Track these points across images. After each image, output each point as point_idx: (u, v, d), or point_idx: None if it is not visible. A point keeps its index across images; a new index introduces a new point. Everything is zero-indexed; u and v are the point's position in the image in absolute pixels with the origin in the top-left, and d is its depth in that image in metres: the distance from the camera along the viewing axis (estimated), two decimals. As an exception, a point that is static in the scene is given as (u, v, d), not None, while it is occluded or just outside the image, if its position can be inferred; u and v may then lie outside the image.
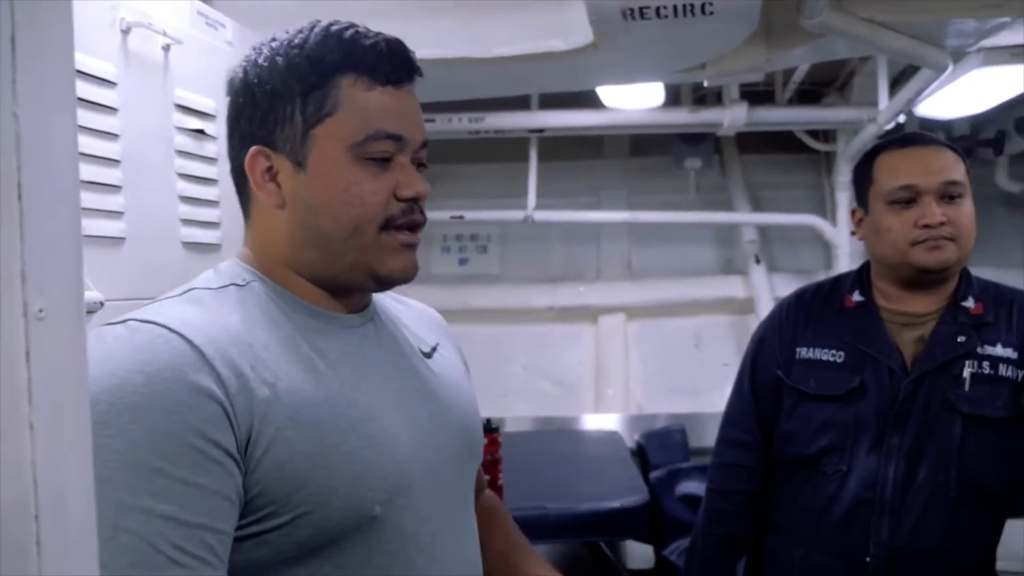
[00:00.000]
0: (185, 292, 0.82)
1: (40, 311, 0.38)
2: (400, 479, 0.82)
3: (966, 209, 1.39)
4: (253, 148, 0.84)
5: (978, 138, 3.54)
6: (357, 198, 0.82)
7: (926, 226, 1.36)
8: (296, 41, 0.83)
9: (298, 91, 0.82)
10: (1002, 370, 1.35)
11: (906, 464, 1.35)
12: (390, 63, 0.84)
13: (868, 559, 1.35)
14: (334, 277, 0.85)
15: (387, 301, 1.00)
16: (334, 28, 0.84)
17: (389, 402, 0.85)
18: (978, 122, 3.46)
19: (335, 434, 0.78)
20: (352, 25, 0.84)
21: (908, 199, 1.39)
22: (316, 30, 0.84)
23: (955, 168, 1.39)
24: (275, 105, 0.83)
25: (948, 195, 1.38)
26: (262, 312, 0.82)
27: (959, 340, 1.37)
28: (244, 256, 0.88)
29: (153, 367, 0.71)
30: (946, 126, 3.52)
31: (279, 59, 0.83)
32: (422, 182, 0.86)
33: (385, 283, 0.87)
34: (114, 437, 0.68)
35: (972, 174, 1.42)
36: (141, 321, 0.75)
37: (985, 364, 1.35)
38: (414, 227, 0.86)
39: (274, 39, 0.85)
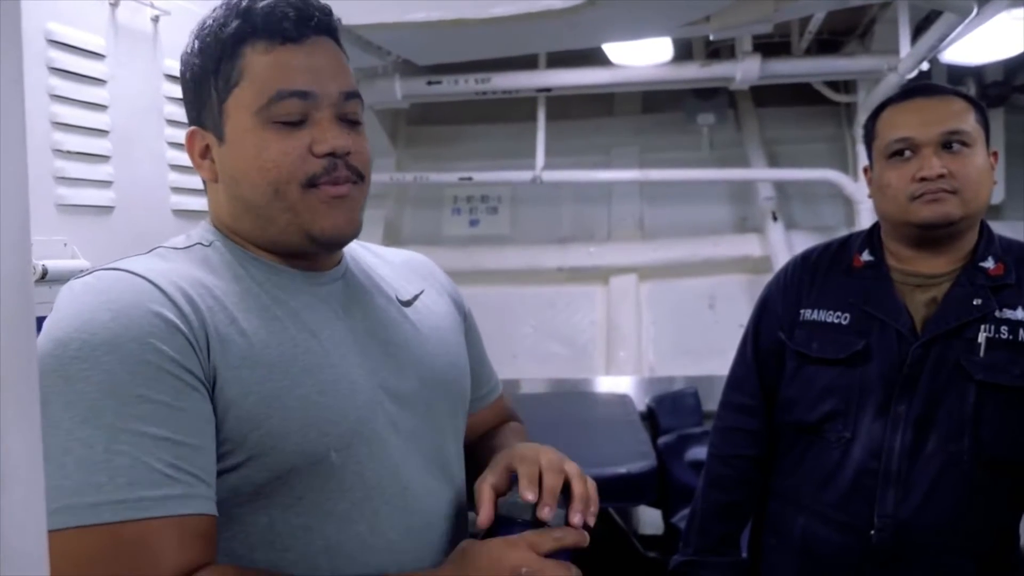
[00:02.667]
0: (152, 250, 0.85)
1: None
2: (358, 426, 0.82)
3: (973, 160, 1.29)
4: (189, 129, 0.88)
5: (1013, 84, 3.37)
6: (270, 162, 0.82)
7: (924, 179, 1.28)
8: (208, 22, 0.86)
9: (210, 69, 0.84)
10: (1023, 335, 1.27)
11: (914, 433, 1.28)
12: (287, 20, 0.83)
13: (872, 532, 1.29)
14: (273, 242, 0.86)
15: (362, 253, 1.00)
16: (233, 1, 0.85)
17: (352, 352, 0.85)
18: (1012, 67, 3.29)
19: (287, 377, 0.79)
20: None
21: (906, 151, 1.31)
22: (219, 6, 0.86)
23: (960, 117, 1.30)
24: (198, 87, 0.86)
25: (950, 145, 1.29)
26: (225, 267, 0.84)
27: (975, 303, 1.29)
28: (211, 221, 0.91)
29: (119, 304, 0.74)
30: (977, 72, 3.36)
31: (196, 43, 0.86)
32: (342, 136, 0.83)
33: (322, 242, 0.85)
34: (91, 370, 0.70)
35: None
36: (106, 270, 0.79)
37: (1004, 329, 1.27)
38: (342, 182, 0.84)
39: (200, 25, 0.88)
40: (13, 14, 0.41)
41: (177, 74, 1.62)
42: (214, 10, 0.86)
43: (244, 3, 0.83)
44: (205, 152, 0.87)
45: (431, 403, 0.92)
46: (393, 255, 1.06)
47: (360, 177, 0.86)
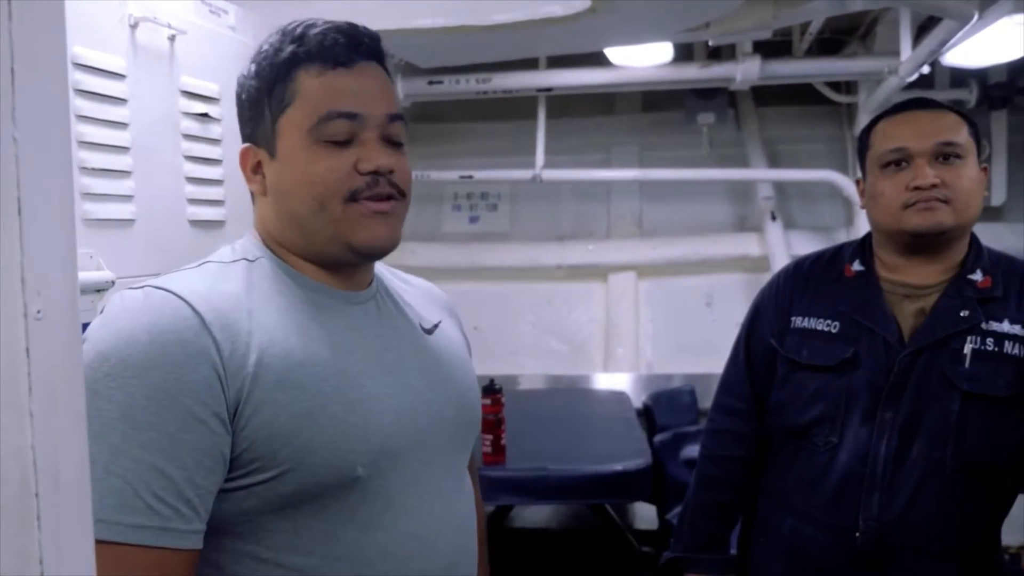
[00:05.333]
0: (201, 264, 0.90)
1: (38, 312, 0.43)
2: (385, 443, 0.87)
3: (965, 172, 1.32)
4: (243, 146, 0.93)
5: (1016, 86, 3.38)
6: (317, 177, 0.87)
7: (917, 188, 1.31)
8: (264, 48, 0.92)
9: (265, 90, 0.90)
10: (1008, 348, 1.29)
11: (899, 439, 1.31)
12: (339, 47, 0.89)
13: (858, 535, 1.32)
14: (318, 254, 0.91)
15: (392, 280, 1.05)
16: (289, 27, 0.91)
17: (383, 372, 0.90)
18: (1016, 69, 3.29)
19: (319, 397, 0.83)
20: (305, 21, 0.91)
21: (899, 161, 1.34)
22: (274, 33, 0.92)
23: (953, 129, 1.34)
24: (252, 106, 0.92)
25: (943, 156, 1.32)
26: (267, 284, 0.89)
27: (962, 315, 1.32)
28: (256, 235, 0.96)
29: (158, 328, 0.78)
30: (980, 74, 3.37)
31: (252, 67, 0.92)
32: (385, 155, 0.89)
33: (362, 253, 0.90)
34: (117, 389, 0.75)
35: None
36: (155, 288, 0.83)
37: (989, 341, 1.30)
38: (384, 198, 0.90)
39: (258, 48, 0.94)
40: (60, 67, 0.45)
41: (192, 91, 1.69)
42: (270, 36, 0.92)
43: (299, 30, 0.89)
44: (257, 167, 0.92)
45: (452, 424, 0.97)
46: (416, 281, 1.12)
47: (401, 194, 0.91)
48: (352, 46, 0.89)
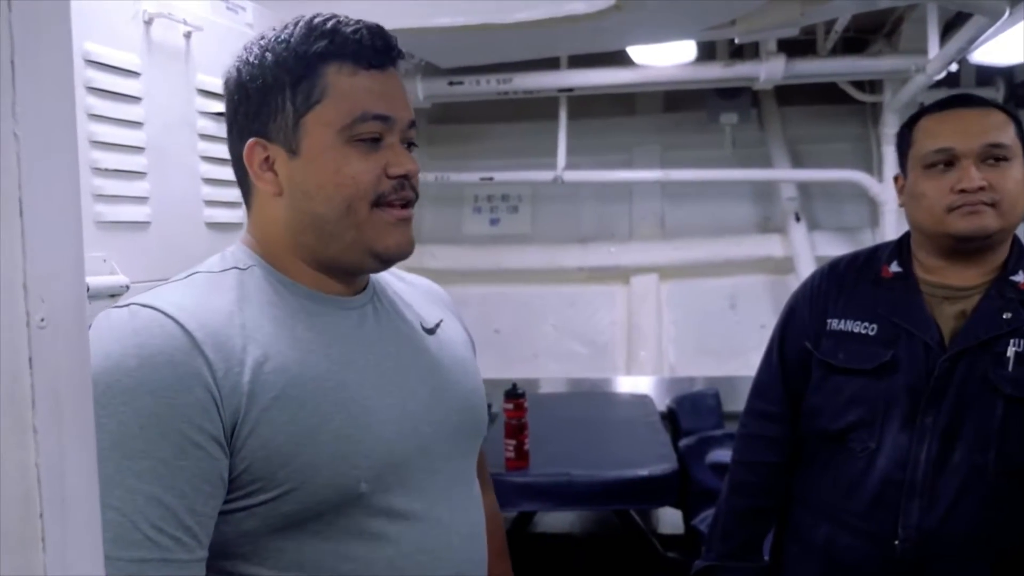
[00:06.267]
0: (189, 275, 0.87)
1: (42, 320, 0.40)
2: (388, 457, 0.84)
3: (1012, 173, 1.29)
4: (250, 140, 0.87)
5: (1046, 84, 3.32)
6: (348, 178, 0.85)
7: (963, 191, 1.27)
8: (282, 36, 0.87)
9: (287, 83, 0.86)
10: None
11: (940, 444, 1.27)
12: (372, 48, 0.87)
13: (897, 543, 1.28)
14: (333, 258, 0.88)
15: (389, 279, 1.02)
16: (316, 20, 0.87)
17: (383, 381, 0.88)
18: (1046, 68, 3.24)
19: (319, 414, 0.81)
20: (333, 16, 0.88)
21: (945, 162, 1.30)
22: (300, 24, 0.87)
23: (1001, 130, 1.29)
24: (267, 98, 0.87)
25: (991, 158, 1.28)
26: (260, 294, 0.85)
27: (1004, 317, 1.28)
28: (247, 242, 0.92)
29: (146, 351, 0.75)
30: (1007, 72, 3.31)
31: (268, 55, 0.87)
32: (412, 160, 0.89)
33: (383, 259, 0.89)
34: (107, 417, 0.72)
35: None
36: (141, 306, 0.79)
37: None
38: (406, 203, 0.89)
39: (263, 37, 0.89)
40: (66, 65, 0.42)
41: (209, 89, 1.65)
42: (286, 26, 0.88)
43: (328, 25, 0.86)
44: (265, 165, 0.88)
45: (456, 428, 0.94)
46: (415, 280, 1.08)
47: (416, 199, 0.91)
48: (385, 49, 0.88)
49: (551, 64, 3.33)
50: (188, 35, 1.59)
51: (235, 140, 0.90)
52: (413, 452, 0.87)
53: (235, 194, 1.74)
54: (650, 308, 3.85)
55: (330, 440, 0.80)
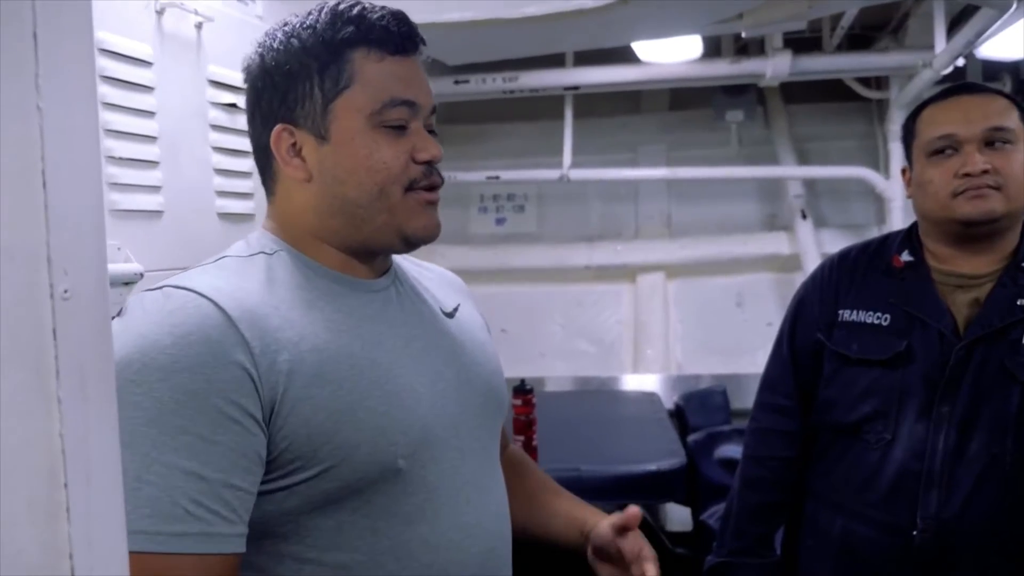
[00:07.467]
0: (218, 260, 0.87)
1: (65, 292, 0.40)
2: (423, 434, 0.85)
3: (1017, 157, 1.28)
4: (277, 126, 0.87)
5: (1054, 79, 3.31)
6: (380, 163, 0.86)
7: (967, 175, 1.27)
8: (307, 23, 0.87)
9: (315, 68, 0.86)
10: None
11: (957, 434, 1.27)
12: (398, 34, 0.87)
13: (915, 533, 1.27)
14: (362, 241, 0.89)
15: (408, 266, 1.03)
16: (342, 6, 0.88)
17: (411, 360, 0.89)
18: (1053, 62, 3.23)
19: (357, 391, 0.82)
20: (358, 2, 0.88)
21: (948, 148, 1.30)
22: (324, 10, 0.88)
23: (1003, 115, 1.29)
24: (294, 84, 0.87)
25: (995, 142, 1.28)
26: (288, 277, 0.86)
27: (1019, 303, 1.27)
28: (270, 228, 0.92)
29: (182, 329, 0.75)
30: (1013, 67, 3.30)
31: (294, 41, 0.87)
32: (436, 146, 0.90)
33: (412, 242, 0.90)
34: (143, 395, 0.73)
35: None
36: (175, 287, 0.80)
37: None
38: (434, 188, 0.91)
39: (286, 24, 0.89)
40: (88, 64, 0.42)
41: (220, 80, 1.65)
42: (310, 13, 0.88)
43: (355, 11, 0.87)
44: (293, 151, 0.88)
45: (481, 408, 0.96)
46: (430, 267, 1.10)
47: (443, 183, 0.93)
48: (411, 35, 0.89)
49: (557, 62, 3.33)
50: (199, 26, 1.60)
51: (258, 127, 0.90)
52: (445, 431, 0.88)
53: (247, 185, 1.76)
54: (657, 306, 3.84)
55: (368, 417, 0.81)
